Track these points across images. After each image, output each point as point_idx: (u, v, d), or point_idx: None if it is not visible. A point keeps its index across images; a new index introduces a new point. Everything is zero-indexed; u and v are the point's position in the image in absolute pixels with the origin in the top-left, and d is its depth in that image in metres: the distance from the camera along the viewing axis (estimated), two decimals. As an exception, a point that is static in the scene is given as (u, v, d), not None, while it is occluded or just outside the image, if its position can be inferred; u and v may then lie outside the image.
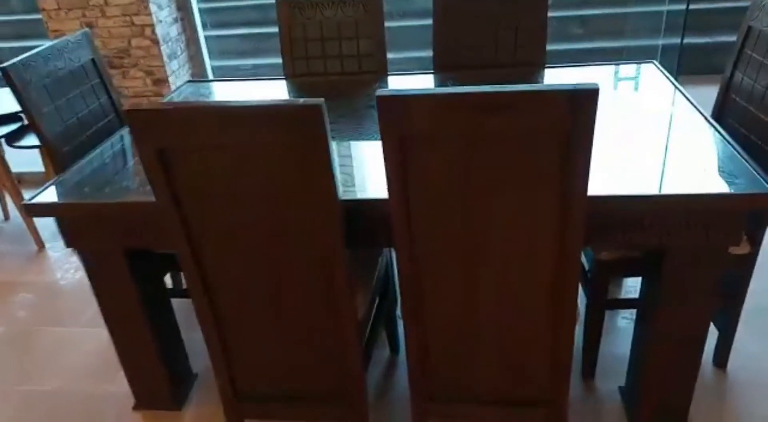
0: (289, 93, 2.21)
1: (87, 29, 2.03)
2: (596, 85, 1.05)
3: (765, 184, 1.28)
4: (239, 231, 1.31)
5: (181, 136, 1.20)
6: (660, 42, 3.75)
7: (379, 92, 1.13)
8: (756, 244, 1.62)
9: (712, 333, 1.68)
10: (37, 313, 2.42)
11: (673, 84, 1.89)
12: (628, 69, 2.12)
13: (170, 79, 3.10)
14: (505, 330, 1.37)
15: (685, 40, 3.45)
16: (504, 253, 1.26)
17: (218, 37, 3.97)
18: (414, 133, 1.15)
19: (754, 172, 1.32)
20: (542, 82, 2.09)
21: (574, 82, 1.07)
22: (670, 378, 1.59)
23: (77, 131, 1.88)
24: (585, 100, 1.06)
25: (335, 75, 2.29)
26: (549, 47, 2.19)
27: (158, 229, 1.46)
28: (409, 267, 1.30)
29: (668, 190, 1.30)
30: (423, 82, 2.20)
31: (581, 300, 1.81)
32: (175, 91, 2.27)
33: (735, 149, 1.43)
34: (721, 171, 1.35)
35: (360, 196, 1.42)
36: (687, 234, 1.33)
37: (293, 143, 1.18)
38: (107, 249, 1.58)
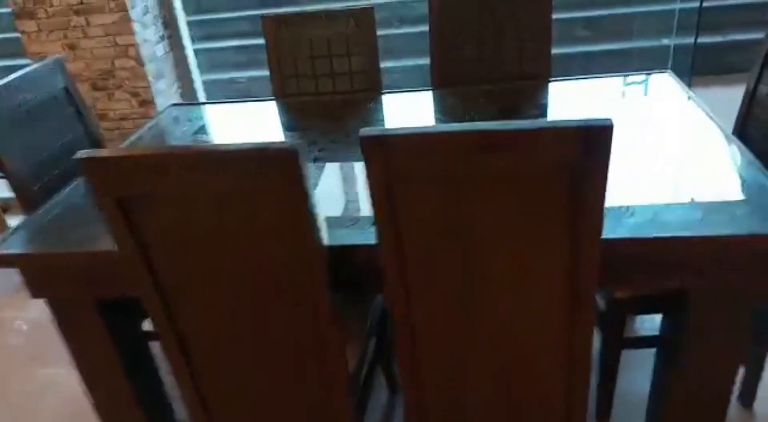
0: (279, 116, 2.08)
1: (59, 55, 1.91)
2: (609, 120, 0.91)
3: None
4: (215, 282, 1.18)
5: (145, 185, 1.08)
6: (671, 42, 3.58)
7: (363, 132, 0.99)
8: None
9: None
10: (18, 352, 2.31)
11: (691, 97, 1.74)
12: (640, 79, 1.96)
13: (157, 101, 2.97)
14: (512, 388, 1.23)
15: (698, 40, 3.29)
16: (509, 306, 1.13)
17: (211, 49, 3.85)
18: (403, 176, 1.01)
19: (788, 203, 1.18)
20: (547, 99, 1.94)
21: (584, 118, 0.93)
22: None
23: (49, 167, 1.76)
24: (596, 138, 0.92)
25: (327, 94, 2.16)
26: (554, 51, 2.04)
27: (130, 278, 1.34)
28: (404, 324, 1.17)
29: (694, 229, 1.15)
30: (420, 101, 2.07)
31: (595, 336, 1.67)
32: (161, 113, 2.14)
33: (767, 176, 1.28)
34: (754, 204, 1.20)
35: (348, 237, 1.29)
36: (714, 278, 1.19)
37: (268, 190, 1.05)
38: (76, 299, 1.45)
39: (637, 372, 1.84)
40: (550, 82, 2.03)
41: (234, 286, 1.19)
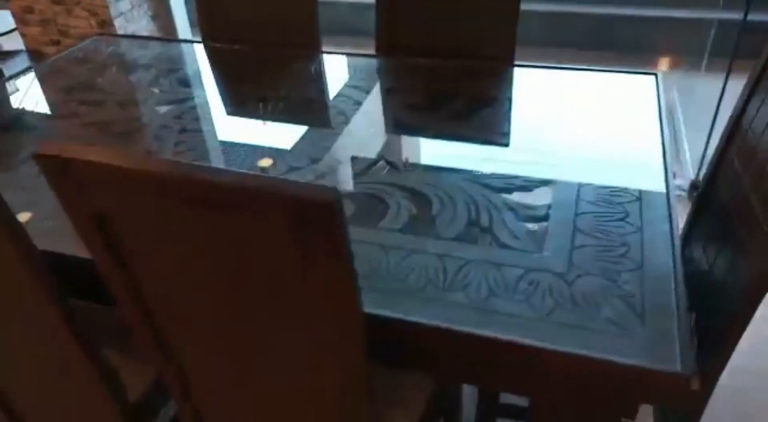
0: (197, 65, 1.82)
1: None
2: (332, 193, 0.60)
3: (673, 348, 0.81)
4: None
5: None
6: (716, 16, 2.90)
7: (41, 146, 0.73)
8: (712, 377, 1.12)
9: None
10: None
11: (662, 118, 1.32)
12: (618, 82, 1.54)
13: (117, 22, 2.70)
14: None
15: (749, 16, 2.62)
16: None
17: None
18: (110, 214, 0.75)
19: (675, 313, 0.84)
20: (493, 90, 1.56)
21: (309, 183, 0.63)
22: None
23: None
24: (313, 213, 0.62)
25: (258, 45, 1.83)
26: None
27: None
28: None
29: (531, 335, 0.83)
30: (360, 67, 1.73)
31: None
32: (80, 44, 1.90)
33: (674, 269, 0.92)
34: (631, 308, 0.86)
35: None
36: (556, 392, 0.88)
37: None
38: None
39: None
40: (515, 67, 1.64)
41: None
